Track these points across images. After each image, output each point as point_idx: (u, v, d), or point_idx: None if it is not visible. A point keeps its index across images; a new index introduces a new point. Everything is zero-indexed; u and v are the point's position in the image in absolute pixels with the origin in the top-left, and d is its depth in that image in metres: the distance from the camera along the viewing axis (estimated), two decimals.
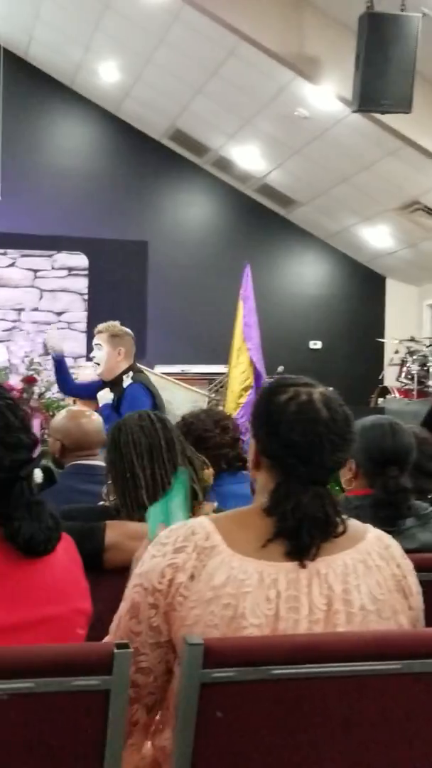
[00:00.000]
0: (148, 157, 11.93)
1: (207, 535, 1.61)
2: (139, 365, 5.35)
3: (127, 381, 5.03)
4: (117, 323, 5.27)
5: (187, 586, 1.58)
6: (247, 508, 1.71)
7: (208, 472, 2.51)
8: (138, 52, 9.98)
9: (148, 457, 2.40)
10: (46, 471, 1.61)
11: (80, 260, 11.15)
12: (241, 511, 1.72)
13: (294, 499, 1.61)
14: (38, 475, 1.59)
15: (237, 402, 6.96)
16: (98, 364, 5.11)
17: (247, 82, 9.42)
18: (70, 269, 11.22)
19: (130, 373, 5.07)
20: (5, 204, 10.56)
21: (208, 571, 1.58)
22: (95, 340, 5.19)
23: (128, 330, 5.31)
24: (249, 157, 11.19)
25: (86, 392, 5.48)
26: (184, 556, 1.60)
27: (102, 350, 5.08)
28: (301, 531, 1.59)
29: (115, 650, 1.36)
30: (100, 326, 5.26)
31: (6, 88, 10.67)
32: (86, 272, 11.19)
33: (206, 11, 7.87)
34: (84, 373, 9.10)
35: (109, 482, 2.49)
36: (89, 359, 9.80)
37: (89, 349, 10.50)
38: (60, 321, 10.93)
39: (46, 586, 1.50)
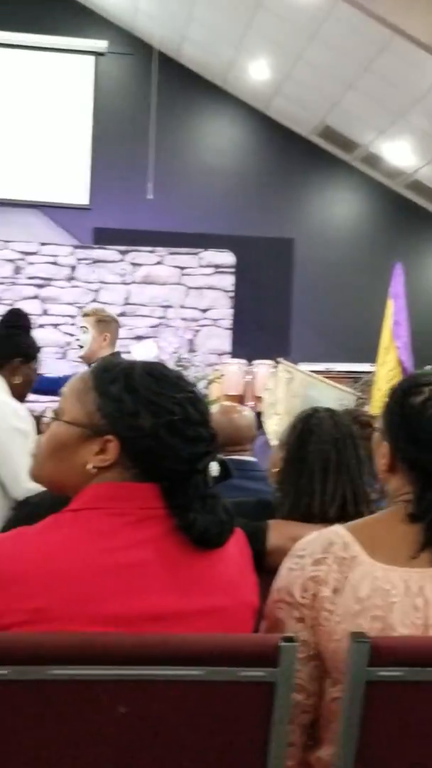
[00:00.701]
0: (296, 154, 11.90)
1: (345, 545, 1.57)
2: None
3: None
4: (105, 309, 5.18)
5: (331, 600, 1.54)
6: (383, 514, 1.66)
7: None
8: (289, 49, 9.98)
9: (335, 471, 2.28)
10: (222, 465, 1.60)
11: (227, 258, 11.21)
12: (376, 517, 1.67)
13: None
14: (214, 468, 1.59)
15: (383, 400, 6.85)
16: (81, 346, 4.98)
17: (400, 77, 9.27)
18: (216, 267, 11.30)
19: None
20: (156, 202, 10.77)
21: (351, 584, 1.54)
22: (81, 323, 5.09)
23: (115, 317, 5.20)
24: (399, 153, 10.99)
25: (48, 385, 4.47)
26: (325, 569, 1.55)
27: (88, 333, 4.97)
28: None
29: (281, 643, 1.36)
30: (88, 309, 5.20)
31: (159, 88, 10.87)
32: (232, 270, 11.25)
33: (360, 6, 7.81)
34: (229, 369, 9.19)
35: (276, 470, 2.40)
36: (234, 356, 9.97)
37: (234, 346, 10.67)
38: (205, 318, 11.06)
39: (216, 577, 1.50)
